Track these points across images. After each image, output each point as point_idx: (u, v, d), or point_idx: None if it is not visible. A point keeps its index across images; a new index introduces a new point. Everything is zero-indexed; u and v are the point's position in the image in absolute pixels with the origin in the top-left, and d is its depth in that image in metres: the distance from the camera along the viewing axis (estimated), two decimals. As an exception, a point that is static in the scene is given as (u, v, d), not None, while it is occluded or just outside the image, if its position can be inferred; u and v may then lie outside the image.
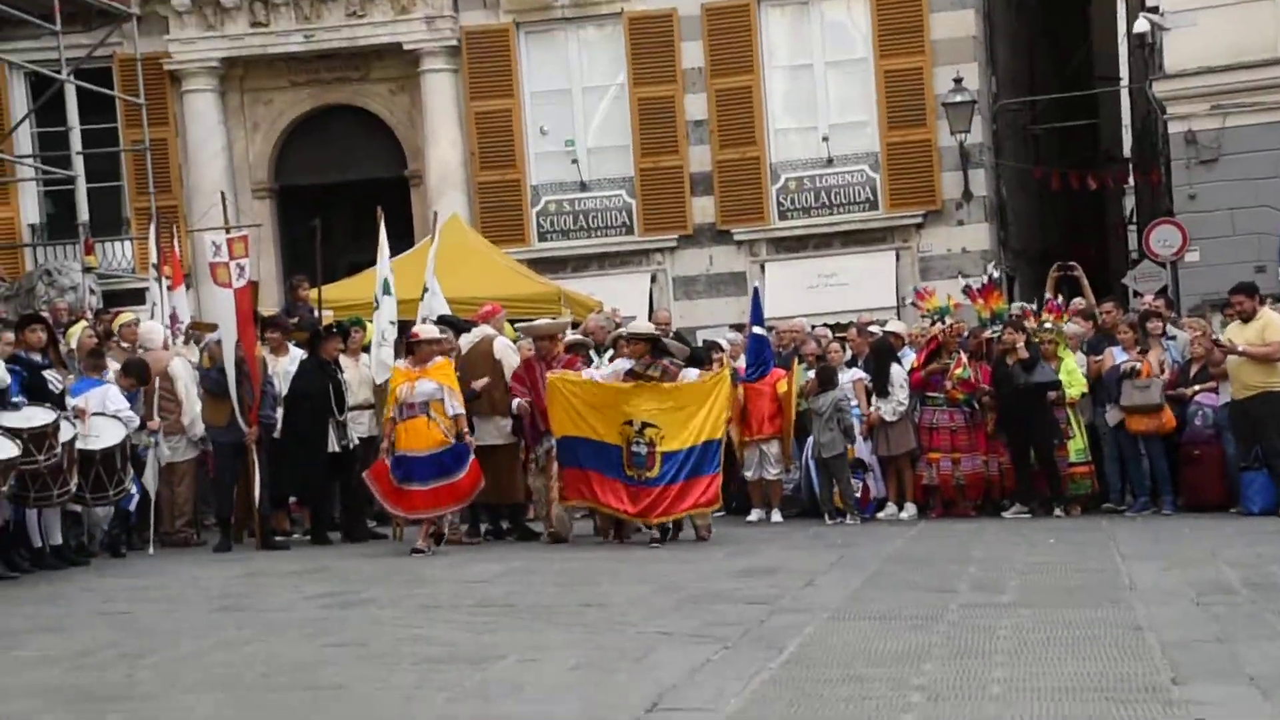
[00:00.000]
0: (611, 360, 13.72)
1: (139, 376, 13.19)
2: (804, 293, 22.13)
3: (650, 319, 19.59)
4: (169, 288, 15.41)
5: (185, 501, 13.78)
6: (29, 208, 23.50)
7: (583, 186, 23.25)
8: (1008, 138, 24.78)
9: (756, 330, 14.78)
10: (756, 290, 16.33)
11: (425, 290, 14.88)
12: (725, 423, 12.94)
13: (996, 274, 16.54)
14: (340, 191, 22.91)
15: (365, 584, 10.39)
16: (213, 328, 14.16)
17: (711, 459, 12.69)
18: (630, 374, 12.76)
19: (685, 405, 12.69)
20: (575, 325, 15.29)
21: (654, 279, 23.12)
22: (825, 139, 22.65)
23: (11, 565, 11.44)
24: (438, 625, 8.41)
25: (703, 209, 23.03)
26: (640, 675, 6.86)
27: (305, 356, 13.76)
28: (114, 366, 13.51)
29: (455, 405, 12.47)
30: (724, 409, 12.87)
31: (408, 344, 12.98)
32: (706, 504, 12.76)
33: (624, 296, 21.16)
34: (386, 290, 14.74)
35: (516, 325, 14.67)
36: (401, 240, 20.62)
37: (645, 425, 12.53)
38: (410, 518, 12.63)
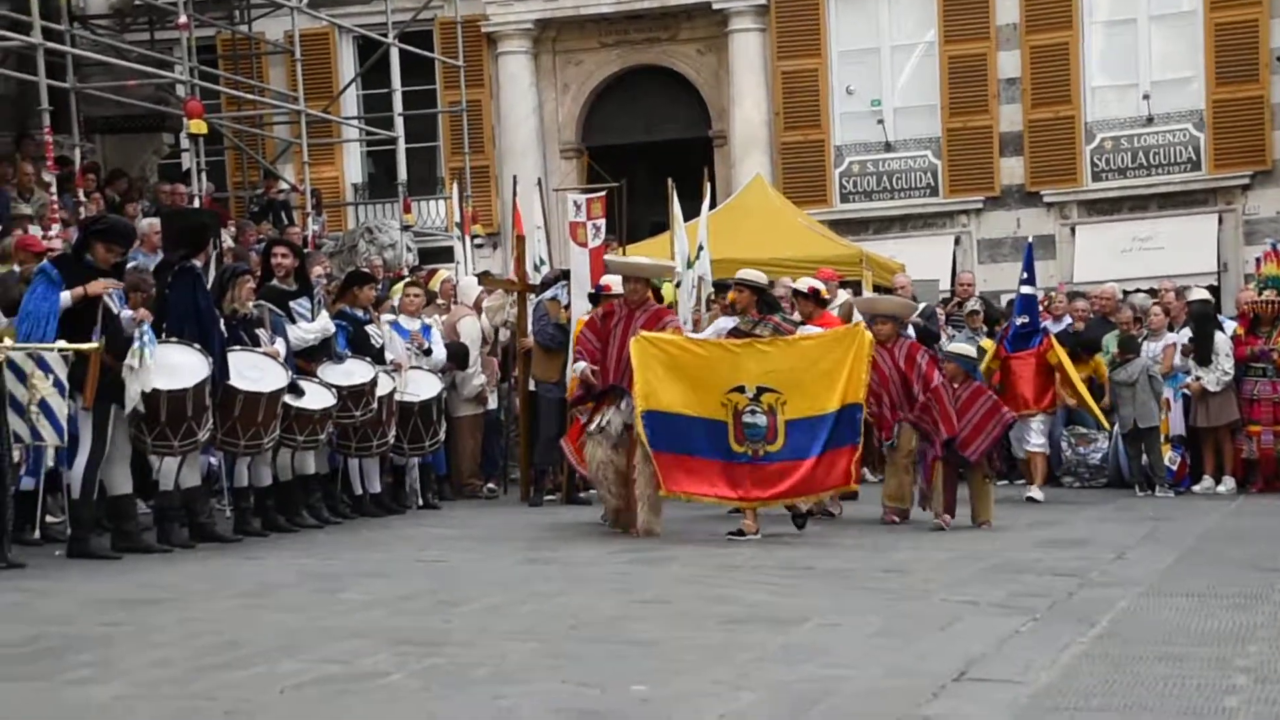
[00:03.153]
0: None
1: (459, 361, 13.69)
2: (1116, 257, 21.46)
3: (953, 282, 19.30)
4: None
5: (470, 455, 14.21)
6: (352, 168, 24.57)
7: (887, 147, 22.96)
8: (1347, 93, 23.39)
9: (1025, 290, 13.94)
10: (1030, 245, 15.26)
11: (700, 249, 14.94)
12: (864, 385, 10.49)
13: None
14: (646, 152, 23.19)
15: (666, 541, 10.51)
16: (509, 283, 14.53)
17: (852, 428, 10.39)
18: (734, 333, 10.89)
19: (814, 363, 10.43)
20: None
21: (958, 241, 22.72)
22: (1146, 97, 21.86)
23: (335, 512, 12.01)
24: (740, 586, 8.44)
25: (1011, 170, 22.49)
26: (945, 644, 6.75)
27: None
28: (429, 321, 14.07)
29: None
30: (865, 368, 10.43)
31: (591, 295, 12.36)
32: (844, 483, 10.58)
33: (927, 260, 20.91)
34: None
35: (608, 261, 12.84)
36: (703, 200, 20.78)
37: (762, 390, 10.35)
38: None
